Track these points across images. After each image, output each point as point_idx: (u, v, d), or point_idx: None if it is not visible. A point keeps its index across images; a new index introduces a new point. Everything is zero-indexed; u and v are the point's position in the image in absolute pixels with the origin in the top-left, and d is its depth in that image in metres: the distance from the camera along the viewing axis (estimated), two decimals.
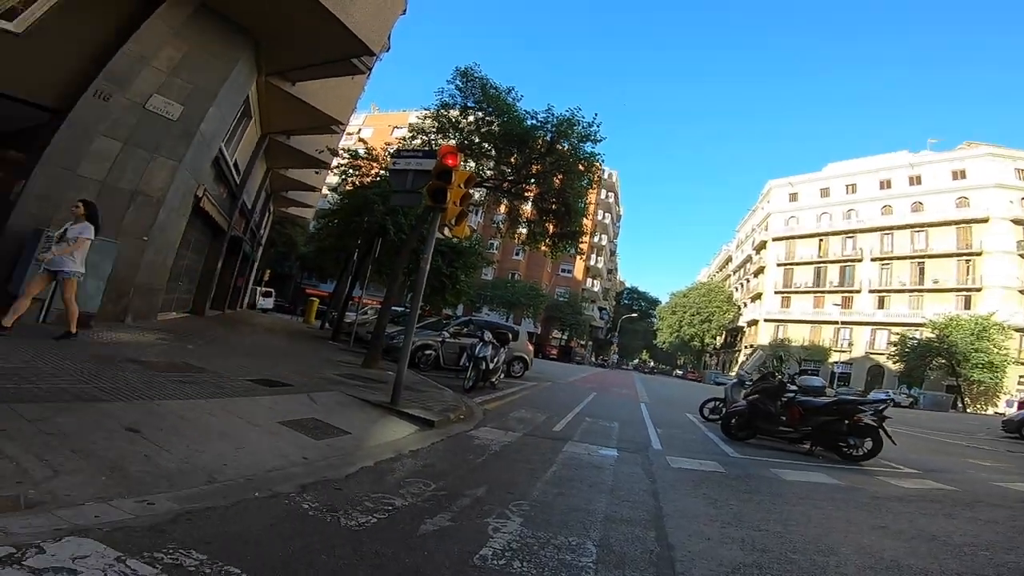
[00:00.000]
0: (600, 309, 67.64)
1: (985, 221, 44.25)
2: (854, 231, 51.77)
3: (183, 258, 11.56)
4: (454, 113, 12.29)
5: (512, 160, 12.12)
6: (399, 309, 18.96)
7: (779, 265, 55.94)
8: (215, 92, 8.68)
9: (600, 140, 11.66)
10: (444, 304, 18.67)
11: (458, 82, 11.95)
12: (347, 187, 16.30)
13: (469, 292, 18.76)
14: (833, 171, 56.89)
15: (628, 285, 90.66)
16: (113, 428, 3.07)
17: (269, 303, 30.05)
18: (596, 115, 11.37)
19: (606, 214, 63.09)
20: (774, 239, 57.56)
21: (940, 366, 36.63)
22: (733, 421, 7.31)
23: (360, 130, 44.64)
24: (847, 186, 54.75)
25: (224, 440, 3.43)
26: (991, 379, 35.08)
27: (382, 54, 14.84)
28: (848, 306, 49.44)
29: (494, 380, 10.21)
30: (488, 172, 13.04)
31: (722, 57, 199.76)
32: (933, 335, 36.72)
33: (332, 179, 20.91)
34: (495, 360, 9.94)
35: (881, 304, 47.72)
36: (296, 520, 2.38)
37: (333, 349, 12.57)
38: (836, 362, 46.54)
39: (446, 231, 6.84)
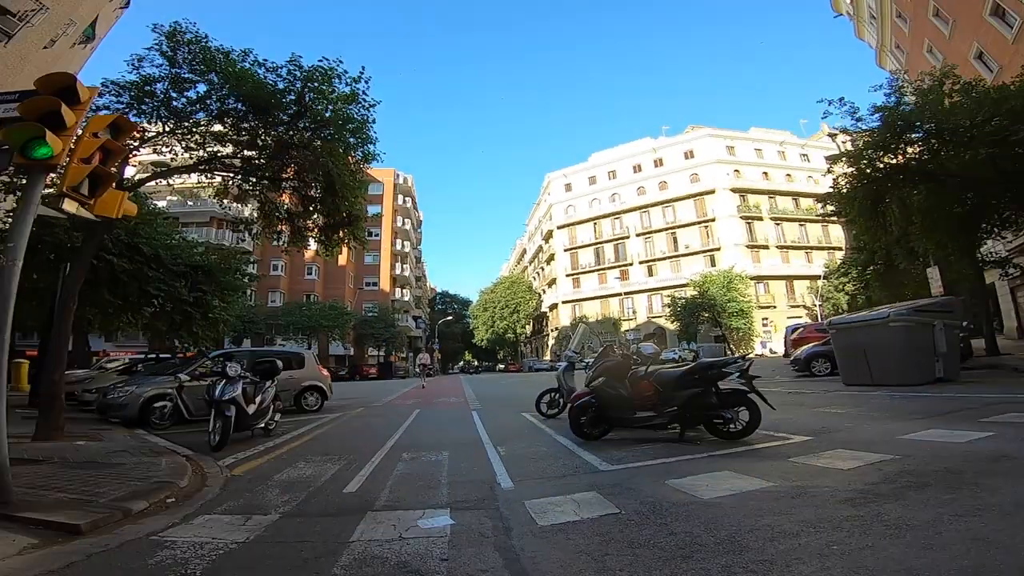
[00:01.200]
0: (415, 318, 65.20)
1: (712, 192, 54.69)
2: (619, 212, 59.30)
3: None
4: (161, 87, 8.59)
5: (253, 136, 9.03)
6: (166, 356, 13.89)
7: (566, 250, 61.17)
8: None
9: (373, 104, 9.36)
10: (193, 340, 14.06)
11: (165, 46, 8.35)
12: None
13: (227, 321, 14.51)
14: (597, 160, 64.30)
15: (439, 290, 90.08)
16: None
17: None
18: (363, 68, 9.02)
19: (405, 220, 60.83)
20: (558, 227, 62.72)
21: (706, 319, 44.07)
22: (583, 419, 5.83)
23: None
24: (608, 172, 62.40)
25: None
26: (744, 324, 43.49)
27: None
28: (626, 278, 56.48)
29: (265, 425, 7.25)
30: (227, 158, 9.67)
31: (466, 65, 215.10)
32: (696, 292, 43.91)
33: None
34: (259, 399, 6.98)
35: (650, 272, 55.62)
36: None
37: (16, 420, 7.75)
38: (626, 330, 52.76)
39: (72, 207, 3.70)
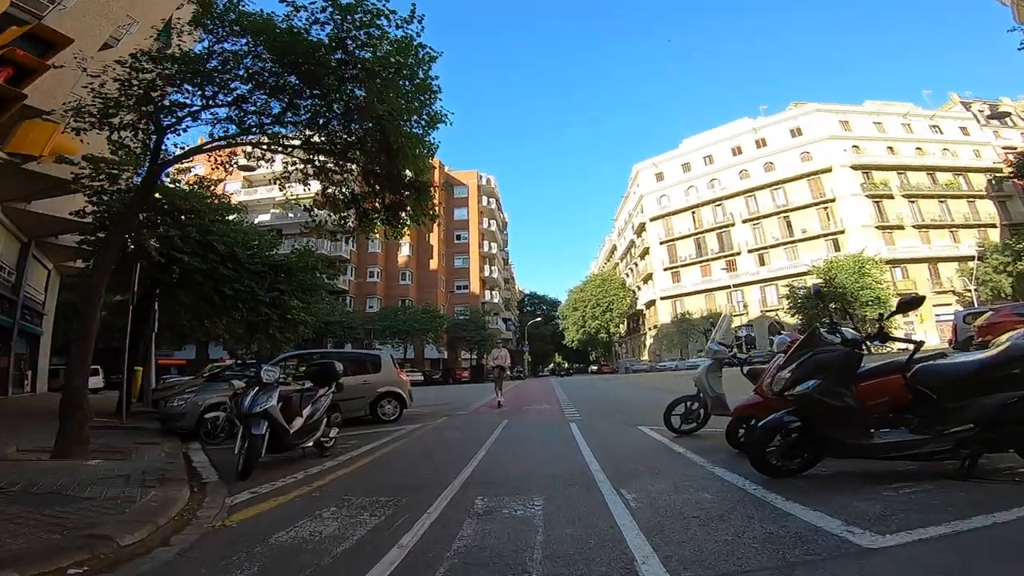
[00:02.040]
0: (505, 320, 64.55)
1: (829, 171, 48.27)
2: (720, 199, 54.16)
3: None
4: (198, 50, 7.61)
5: (305, 103, 7.73)
6: (252, 361, 13.42)
7: (661, 243, 57.00)
8: None
9: (433, 57, 7.68)
10: (272, 343, 13.48)
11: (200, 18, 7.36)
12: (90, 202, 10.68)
13: (306, 323, 13.78)
14: (689, 146, 59.60)
15: (527, 292, 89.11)
16: None
17: (98, 381, 25.37)
18: (414, 6, 7.33)
19: (491, 221, 60.43)
20: (651, 219, 58.75)
21: (834, 310, 38.19)
22: (774, 445, 3.59)
23: None
24: (704, 158, 57.47)
25: None
26: (880, 312, 37.15)
27: None
28: (733, 269, 51.27)
29: (318, 442, 5.81)
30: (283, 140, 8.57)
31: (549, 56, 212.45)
32: (820, 280, 38.21)
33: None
34: (308, 410, 5.55)
35: (762, 261, 49.94)
36: None
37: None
38: (739, 326, 47.61)
39: None
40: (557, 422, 8.09)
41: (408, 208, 8.91)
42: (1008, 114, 52.26)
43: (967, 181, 49.14)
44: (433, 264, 52.26)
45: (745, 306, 47.94)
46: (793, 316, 41.48)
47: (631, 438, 6.25)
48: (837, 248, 45.83)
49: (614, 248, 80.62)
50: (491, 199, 62.30)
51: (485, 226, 59.33)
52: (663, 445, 5.56)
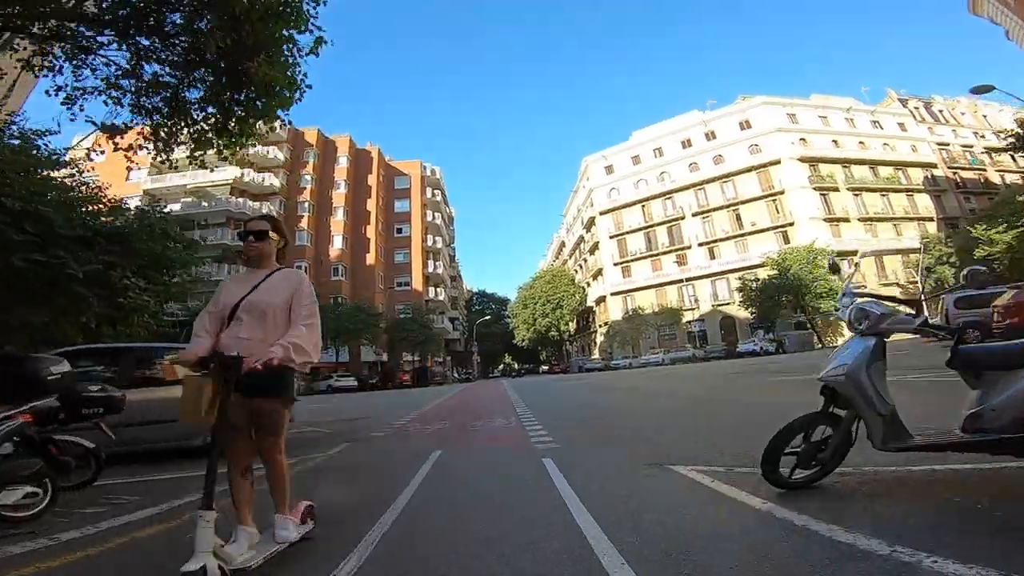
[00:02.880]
0: (452, 320, 60.87)
1: (778, 163, 48.30)
2: (671, 192, 53.32)
3: None
4: None
5: None
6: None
7: (611, 237, 55.43)
8: None
9: None
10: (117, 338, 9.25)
11: None
12: None
13: (153, 312, 9.79)
14: (639, 138, 58.61)
15: (476, 290, 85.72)
16: None
17: None
18: None
19: (435, 214, 56.63)
20: (601, 213, 57.13)
21: (788, 303, 37.49)
22: None
23: None
24: (654, 150, 56.62)
25: None
26: (834, 306, 36.72)
27: None
28: (683, 263, 50.34)
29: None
30: None
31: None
32: (774, 272, 37.39)
33: None
34: None
35: (712, 255, 49.25)
36: None
37: None
38: (690, 321, 46.52)
39: None
40: (521, 458, 4.89)
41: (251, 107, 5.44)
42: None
43: (906, 175, 50.73)
44: (370, 259, 47.88)
45: (696, 300, 46.95)
46: (746, 309, 40.65)
47: (687, 511, 3.04)
48: (787, 240, 45.77)
49: (563, 245, 78.87)
50: (436, 191, 58.52)
51: (430, 219, 55.50)
52: (797, 528, 2.45)
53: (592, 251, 59.60)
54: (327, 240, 46.70)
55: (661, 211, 53.18)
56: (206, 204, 42.79)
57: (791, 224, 46.33)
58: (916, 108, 56.25)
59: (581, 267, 64.68)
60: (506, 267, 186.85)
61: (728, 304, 46.69)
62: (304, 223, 45.88)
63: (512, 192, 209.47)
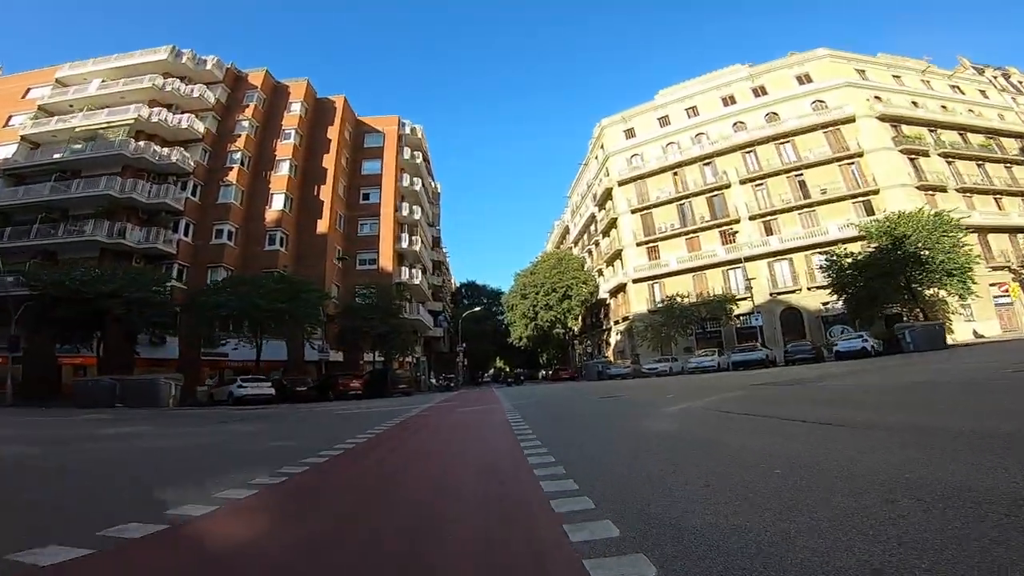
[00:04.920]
0: (434, 314, 49.47)
1: (852, 121, 38.05)
2: (710, 155, 42.58)
3: None
4: None
5: None
6: None
7: (634, 211, 44.39)
8: None
9: None
10: None
11: None
12: None
13: None
14: (666, 97, 48.06)
15: (464, 281, 74.18)
16: None
17: None
18: None
19: (414, 179, 45.23)
20: (620, 183, 46.15)
21: (899, 286, 26.50)
22: None
23: None
24: (687, 110, 46.19)
25: None
26: (962, 289, 25.77)
27: None
28: (730, 240, 39.46)
29: None
30: None
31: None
32: (886, 243, 26.32)
33: None
34: None
35: (768, 229, 38.38)
36: None
37: None
38: (745, 314, 35.47)
39: None
40: None
41: None
42: None
43: (999, 145, 40.75)
44: (322, 226, 36.44)
45: (750, 286, 36.10)
46: (838, 298, 29.71)
47: None
48: (869, 212, 35.18)
49: (566, 232, 67.85)
50: (417, 153, 47.17)
51: (405, 184, 44.12)
52: None
53: (607, 231, 48.53)
54: (264, 200, 35.24)
55: (699, 178, 42.36)
56: (91, 149, 31.23)
57: (874, 192, 35.74)
58: (994, 77, 46.78)
59: (591, 253, 53.55)
60: (501, 268, 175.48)
61: (793, 291, 35.85)
62: (232, 176, 34.43)
63: (507, 182, 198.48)
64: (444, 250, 71.05)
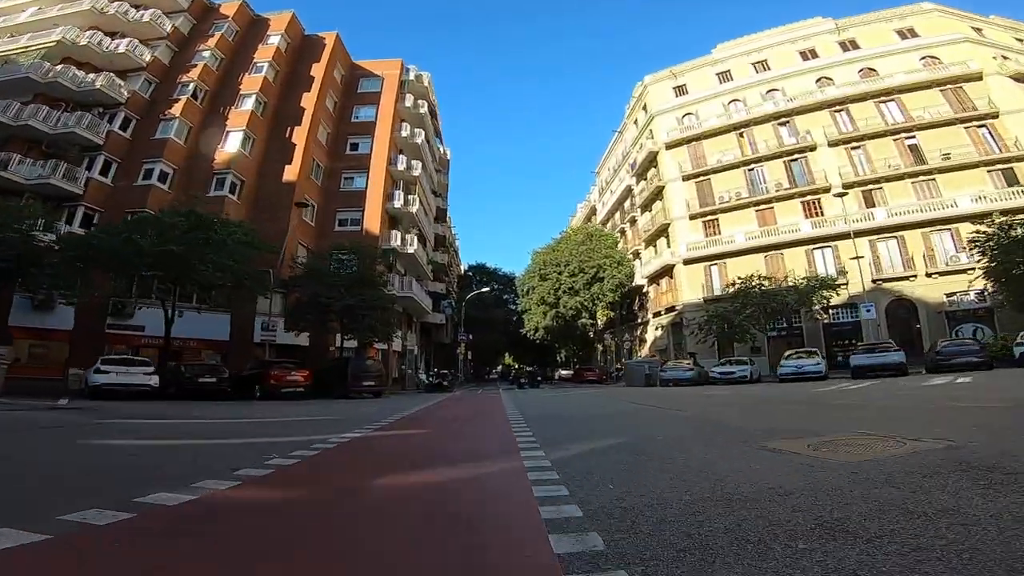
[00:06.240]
0: (438, 297, 41.39)
1: (979, 78, 29.20)
2: (787, 113, 33.98)
3: None
4: None
5: None
6: None
7: (686, 179, 35.83)
8: None
9: None
10: None
11: None
12: None
13: None
14: (727, 51, 39.55)
15: (473, 263, 65.73)
16: None
17: None
18: None
19: (416, 131, 37.13)
20: (668, 146, 37.60)
21: None
22: None
23: None
24: (754, 64, 37.72)
25: None
26: None
27: None
28: (815, 213, 30.76)
29: None
30: None
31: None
32: None
33: None
34: None
35: (869, 200, 29.60)
36: None
37: None
38: (838, 306, 26.77)
39: None
40: None
41: None
42: None
43: None
44: (290, 173, 28.43)
45: (844, 269, 27.33)
46: (986, 278, 21.02)
47: None
48: (1010, 181, 26.36)
49: (593, 212, 59.22)
50: (421, 102, 39.07)
51: (404, 134, 36.02)
52: None
53: (648, 204, 39.95)
54: (216, 138, 27.44)
55: (773, 139, 33.71)
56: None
57: (1017, 159, 26.79)
58: None
59: (624, 234, 44.89)
60: (515, 257, 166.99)
61: (904, 278, 27.06)
62: (176, 110, 26.76)
63: (525, 166, 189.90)
64: (452, 229, 63.03)
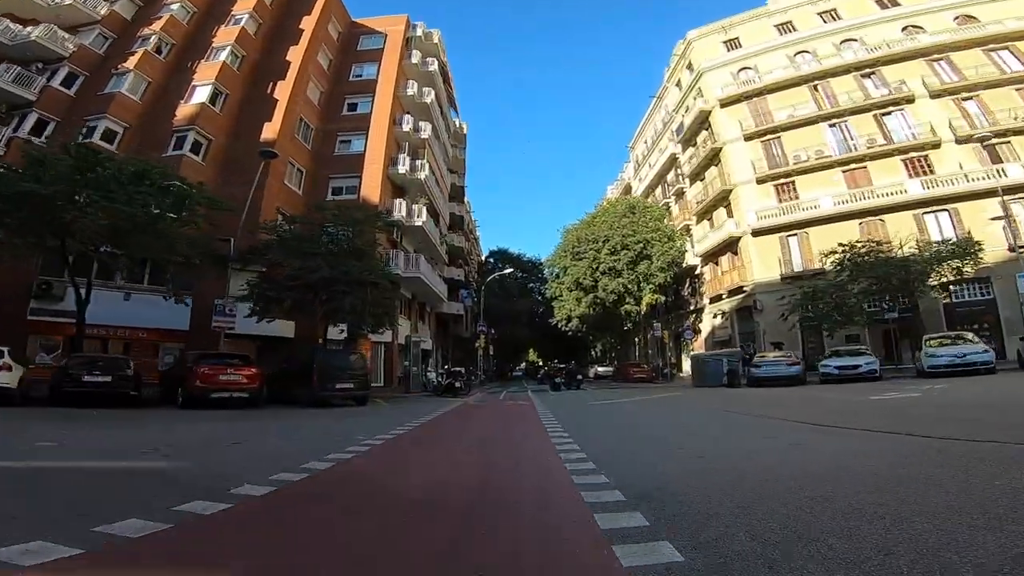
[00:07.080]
0: (456, 285, 36.32)
1: None
2: (870, 63, 27.83)
3: None
4: None
5: None
6: None
7: (749, 137, 29.83)
8: None
9: None
10: None
11: None
12: None
13: None
14: (785, 1, 33.48)
15: (493, 248, 60.07)
16: None
17: None
18: None
19: (424, 90, 31.98)
20: (723, 103, 31.59)
21: None
22: None
23: None
24: (823, 13, 31.63)
25: None
26: None
27: None
28: (922, 171, 24.52)
29: None
30: None
31: None
32: None
33: None
34: None
35: (995, 156, 23.32)
36: None
37: None
38: (959, 281, 20.63)
39: None
40: None
41: None
42: None
43: None
44: (270, 131, 23.44)
45: (969, 237, 21.07)
46: None
47: None
48: None
49: (627, 191, 53.19)
50: (430, 60, 33.90)
51: (410, 92, 30.87)
52: None
53: (699, 173, 33.98)
54: (180, 92, 22.71)
55: (857, 91, 27.56)
56: None
57: None
58: None
59: (669, 209, 38.83)
60: (540, 246, 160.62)
61: None
62: (130, 63, 22.19)
63: (550, 150, 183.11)
64: (472, 214, 57.80)
